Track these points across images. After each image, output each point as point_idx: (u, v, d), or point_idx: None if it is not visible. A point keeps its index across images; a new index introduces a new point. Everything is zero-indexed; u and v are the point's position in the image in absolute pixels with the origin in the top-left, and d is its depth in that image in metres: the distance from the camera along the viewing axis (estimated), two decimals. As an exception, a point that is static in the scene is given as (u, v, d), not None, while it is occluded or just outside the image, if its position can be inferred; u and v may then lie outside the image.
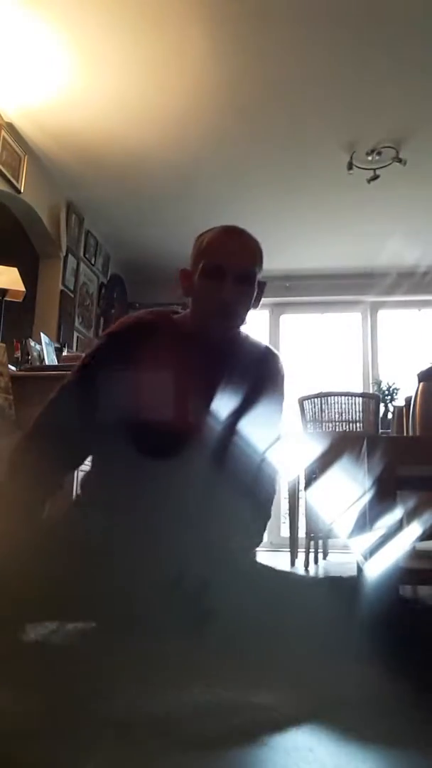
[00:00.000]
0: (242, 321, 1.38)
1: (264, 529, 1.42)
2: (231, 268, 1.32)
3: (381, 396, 4.18)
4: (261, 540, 1.41)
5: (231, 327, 1.36)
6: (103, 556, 1.22)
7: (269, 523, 1.47)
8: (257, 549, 1.44)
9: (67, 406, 1.36)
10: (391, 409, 4.27)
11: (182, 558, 1.17)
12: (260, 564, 1.34)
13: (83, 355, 1.55)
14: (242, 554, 1.28)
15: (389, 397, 4.52)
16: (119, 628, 1.10)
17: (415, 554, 1.79)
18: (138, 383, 1.30)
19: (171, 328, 1.40)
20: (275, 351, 1.53)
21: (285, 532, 3.43)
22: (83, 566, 1.23)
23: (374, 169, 3.90)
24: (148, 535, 1.21)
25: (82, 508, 1.38)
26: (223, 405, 1.33)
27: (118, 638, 1.08)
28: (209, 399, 1.32)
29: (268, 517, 1.45)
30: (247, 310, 1.38)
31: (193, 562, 1.17)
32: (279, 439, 1.43)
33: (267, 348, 1.52)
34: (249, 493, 1.34)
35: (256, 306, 1.42)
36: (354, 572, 1.22)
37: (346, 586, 1.13)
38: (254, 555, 1.41)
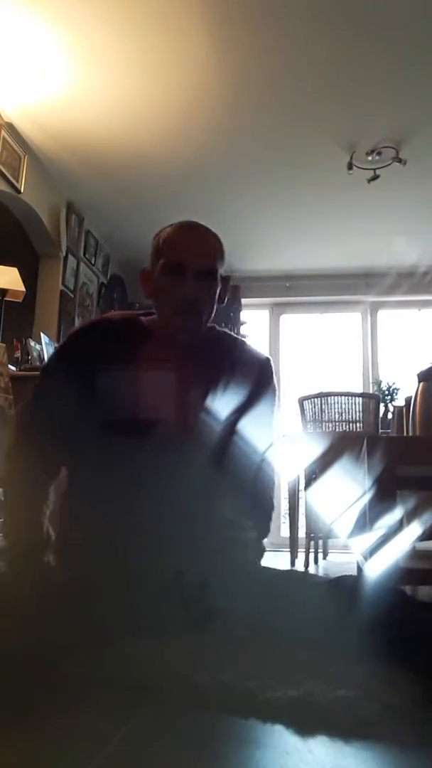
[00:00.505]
0: (208, 317, 1.36)
1: (265, 522, 1.40)
2: (191, 265, 1.29)
3: (381, 396, 4.18)
4: (264, 533, 1.39)
5: (196, 324, 1.33)
6: (101, 558, 1.22)
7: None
8: (261, 544, 1.42)
9: (41, 412, 1.36)
10: (391, 409, 4.27)
11: (181, 558, 1.17)
12: (259, 564, 1.33)
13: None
14: (240, 552, 1.27)
15: (389, 397, 4.52)
16: (119, 627, 1.10)
17: (415, 554, 1.79)
18: (101, 381, 1.29)
19: (137, 329, 1.38)
20: (249, 343, 1.50)
21: (285, 532, 3.43)
22: (81, 567, 1.23)
23: (374, 169, 3.90)
24: (138, 535, 1.21)
25: (74, 516, 1.37)
26: (193, 402, 1.31)
27: (117, 637, 1.08)
28: (178, 397, 1.31)
29: (268, 508, 1.43)
30: (212, 306, 1.35)
31: (192, 562, 1.17)
32: (269, 428, 1.41)
33: (240, 340, 1.49)
34: (237, 487, 1.33)
35: (222, 302, 1.39)
36: (354, 572, 1.22)
37: (347, 586, 1.13)
38: (256, 550, 1.39)
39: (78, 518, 1.35)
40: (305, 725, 0.81)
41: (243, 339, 1.49)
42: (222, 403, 1.31)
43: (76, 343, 1.38)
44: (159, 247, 1.35)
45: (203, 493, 1.24)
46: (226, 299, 1.41)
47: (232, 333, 1.50)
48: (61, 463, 1.38)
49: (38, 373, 3.11)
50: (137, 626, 1.11)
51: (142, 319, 1.41)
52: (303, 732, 0.79)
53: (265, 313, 5.82)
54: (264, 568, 1.31)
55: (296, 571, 1.84)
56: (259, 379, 1.40)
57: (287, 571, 1.50)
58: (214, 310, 1.36)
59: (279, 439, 1.47)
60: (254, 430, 1.34)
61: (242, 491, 1.34)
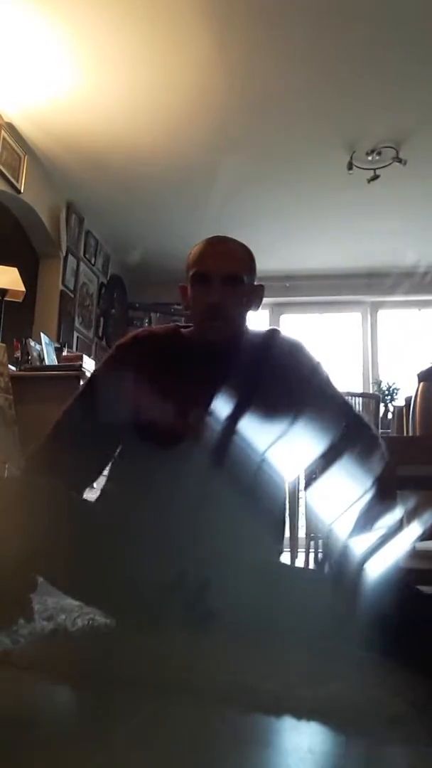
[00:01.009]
0: (238, 322, 1.41)
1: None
2: (216, 273, 1.36)
3: (381, 396, 4.18)
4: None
5: (225, 329, 1.37)
6: (114, 553, 1.22)
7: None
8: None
9: (80, 416, 1.40)
10: (391, 409, 4.27)
11: (189, 557, 1.18)
12: (267, 561, 1.34)
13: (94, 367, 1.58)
14: (246, 551, 1.27)
15: (389, 397, 4.52)
16: (127, 623, 1.10)
17: (415, 554, 1.79)
18: (145, 393, 1.33)
19: (177, 340, 1.44)
20: (288, 336, 1.51)
21: (285, 532, 3.42)
22: (94, 564, 1.24)
23: (374, 169, 3.90)
24: (163, 536, 1.21)
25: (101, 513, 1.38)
26: (233, 407, 1.32)
27: (125, 632, 1.08)
28: (217, 405, 1.33)
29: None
30: (241, 311, 1.41)
31: (199, 561, 1.17)
32: (333, 404, 1.41)
33: (270, 334, 1.51)
34: (263, 498, 1.33)
35: (255, 308, 1.45)
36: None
37: (347, 584, 1.13)
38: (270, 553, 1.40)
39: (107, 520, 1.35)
40: (305, 725, 0.81)
41: (273, 331, 1.51)
42: (261, 413, 1.32)
43: (123, 355, 1.44)
44: (189, 262, 1.43)
45: (234, 505, 1.25)
46: (259, 306, 1.47)
47: (267, 329, 1.52)
48: (82, 481, 1.41)
49: (38, 373, 3.10)
50: (144, 623, 1.12)
51: (183, 331, 1.47)
52: (303, 732, 0.79)
53: (265, 313, 5.81)
54: (267, 564, 1.32)
55: (299, 568, 1.82)
56: (300, 369, 1.42)
57: (287, 566, 1.51)
58: (245, 316, 1.42)
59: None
60: (316, 420, 1.34)
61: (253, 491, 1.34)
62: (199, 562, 1.17)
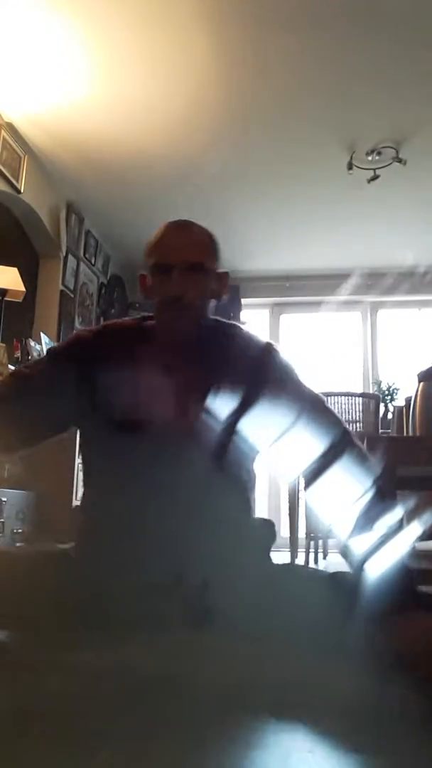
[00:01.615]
0: (201, 311, 1.32)
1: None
2: (176, 261, 1.28)
3: (381, 396, 4.18)
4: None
5: (188, 320, 1.30)
6: (105, 557, 1.22)
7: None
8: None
9: (29, 382, 1.34)
10: (391, 409, 4.27)
11: (184, 556, 1.17)
12: (263, 559, 1.34)
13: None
14: (244, 550, 1.27)
15: (389, 397, 4.53)
16: (121, 626, 1.10)
17: (415, 554, 1.79)
18: (101, 383, 1.29)
19: (139, 332, 1.38)
20: (247, 331, 1.45)
21: (285, 532, 3.43)
22: (83, 568, 1.23)
23: (374, 169, 3.90)
24: (144, 533, 1.21)
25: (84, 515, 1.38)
26: (193, 402, 1.28)
27: (117, 636, 1.08)
28: (177, 398, 1.29)
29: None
30: (204, 300, 1.32)
31: (195, 560, 1.17)
32: (304, 408, 1.31)
33: (238, 329, 1.45)
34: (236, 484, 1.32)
35: (220, 297, 1.37)
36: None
37: (347, 584, 1.13)
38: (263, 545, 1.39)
39: (86, 517, 1.36)
40: (305, 726, 0.81)
41: (241, 327, 1.45)
42: (226, 399, 1.28)
43: (86, 340, 1.38)
44: (147, 250, 1.35)
45: (205, 491, 1.24)
46: (224, 296, 1.38)
47: (230, 322, 1.45)
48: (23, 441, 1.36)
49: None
50: (137, 624, 1.11)
51: (145, 324, 1.40)
52: (303, 732, 0.79)
53: (265, 313, 5.82)
54: (268, 563, 1.32)
55: (298, 566, 1.81)
56: (262, 368, 1.35)
57: (288, 565, 1.51)
58: (209, 305, 1.34)
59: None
60: (275, 412, 1.29)
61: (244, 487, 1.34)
62: (190, 554, 1.17)
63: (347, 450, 1.27)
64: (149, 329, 1.38)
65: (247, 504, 1.35)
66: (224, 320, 1.43)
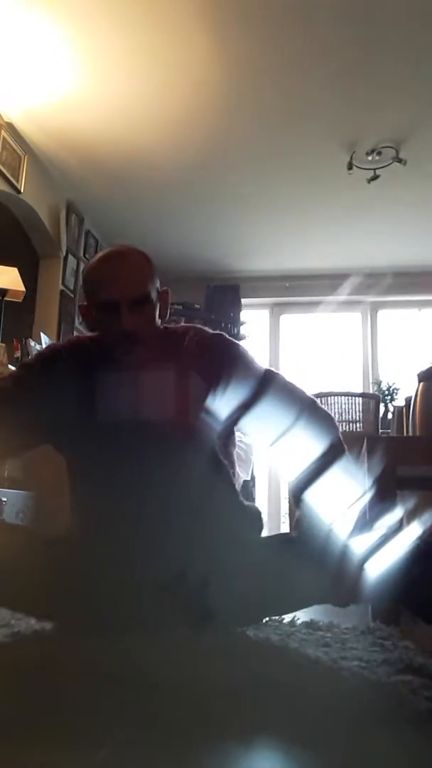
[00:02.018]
0: (151, 334, 1.37)
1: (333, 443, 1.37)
2: (123, 299, 1.31)
3: (381, 396, 4.18)
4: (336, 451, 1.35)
5: (138, 349, 1.34)
6: (99, 558, 1.22)
7: (269, 525, 1.46)
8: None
9: (14, 395, 1.38)
10: (391, 409, 4.27)
11: (180, 553, 1.18)
12: (261, 542, 1.36)
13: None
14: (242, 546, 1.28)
15: (389, 397, 4.52)
16: (120, 625, 1.10)
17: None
18: (66, 397, 1.33)
19: (88, 349, 1.43)
20: (199, 326, 1.50)
21: (285, 529, 3.42)
22: (80, 569, 1.24)
23: (374, 169, 3.90)
24: (147, 533, 1.22)
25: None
26: (167, 397, 1.34)
27: (118, 634, 1.08)
28: (141, 399, 1.35)
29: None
30: (153, 326, 1.38)
31: (191, 557, 1.17)
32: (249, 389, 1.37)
33: (189, 328, 1.48)
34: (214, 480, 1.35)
35: (164, 315, 1.42)
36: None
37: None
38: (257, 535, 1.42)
39: (77, 515, 1.39)
40: (305, 725, 0.81)
41: (195, 327, 1.49)
42: (192, 392, 1.33)
43: (56, 356, 1.43)
44: (89, 286, 1.38)
45: (186, 481, 1.26)
46: (168, 311, 1.44)
47: (183, 325, 1.51)
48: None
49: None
50: (135, 622, 1.11)
51: (87, 342, 1.45)
52: (303, 730, 0.79)
53: (265, 313, 5.82)
54: (265, 543, 1.34)
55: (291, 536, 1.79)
56: (216, 357, 1.40)
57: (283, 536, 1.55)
58: (157, 325, 1.39)
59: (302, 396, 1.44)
60: (234, 403, 1.34)
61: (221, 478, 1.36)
62: (168, 542, 1.19)
63: (304, 415, 1.36)
64: (99, 345, 1.42)
65: (227, 483, 1.38)
66: (175, 327, 1.49)
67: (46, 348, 1.50)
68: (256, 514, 1.44)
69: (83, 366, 1.38)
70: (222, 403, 1.32)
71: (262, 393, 1.36)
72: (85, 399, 1.34)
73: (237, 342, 1.46)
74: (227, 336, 1.47)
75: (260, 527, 1.43)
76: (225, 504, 1.36)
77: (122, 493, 1.27)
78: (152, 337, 1.36)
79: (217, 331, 1.47)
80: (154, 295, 1.37)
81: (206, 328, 1.48)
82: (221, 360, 1.38)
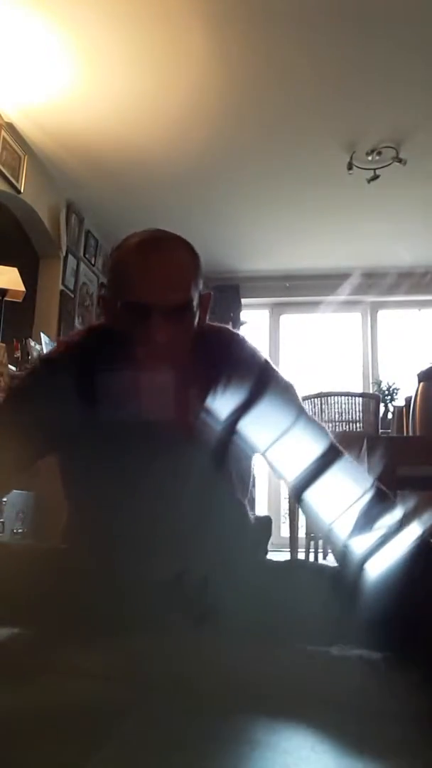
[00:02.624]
0: (186, 348, 1.14)
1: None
2: (157, 306, 1.06)
3: (381, 396, 4.18)
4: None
5: (171, 364, 1.13)
6: (100, 557, 1.22)
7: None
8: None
9: (14, 412, 1.23)
10: (391, 409, 4.27)
11: (183, 555, 1.17)
12: (261, 557, 1.34)
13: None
14: (242, 549, 1.27)
15: (389, 397, 4.52)
16: (120, 626, 1.10)
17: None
18: (89, 389, 1.15)
19: (110, 346, 1.17)
20: (234, 332, 1.30)
21: (285, 532, 3.43)
22: (81, 568, 1.23)
23: (374, 169, 3.90)
24: (142, 533, 1.21)
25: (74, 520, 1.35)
26: (187, 403, 1.18)
27: (117, 636, 1.08)
28: (172, 397, 1.17)
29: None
30: (190, 335, 1.14)
31: (193, 560, 1.17)
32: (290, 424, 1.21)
33: (219, 332, 1.27)
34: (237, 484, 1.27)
35: (203, 322, 1.19)
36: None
37: (348, 582, 1.14)
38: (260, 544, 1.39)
39: (77, 521, 1.34)
40: (306, 724, 0.81)
41: (239, 335, 1.30)
42: (223, 402, 1.20)
43: (59, 356, 1.25)
44: (116, 278, 1.13)
45: (202, 490, 1.23)
46: (206, 317, 1.20)
47: (228, 329, 1.29)
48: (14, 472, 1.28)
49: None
50: (136, 623, 1.11)
51: (105, 335, 1.22)
52: (303, 731, 0.79)
53: (265, 313, 5.82)
54: (267, 560, 1.32)
55: (299, 561, 1.79)
56: (258, 379, 1.22)
57: (290, 561, 1.51)
58: (193, 331, 1.17)
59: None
60: (262, 426, 1.21)
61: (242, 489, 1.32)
62: (192, 553, 1.17)
63: (340, 456, 1.20)
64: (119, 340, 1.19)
65: (242, 504, 1.31)
66: (219, 326, 1.28)
67: (54, 351, 1.29)
68: (266, 524, 1.41)
69: (96, 367, 1.16)
70: (256, 426, 1.18)
71: (298, 429, 1.21)
72: (95, 409, 1.15)
73: (284, 377, 1.28)
74: (272, 368, 1.27)
75: (269, 533, 1.40)
76: (238, 516, 1.28)
77: (144, 499, 1.16)
78: (186, 348, 1.13)
79: (264, 359, 1.27)
80: (196, 300, 1.11)
81: (244, 340, 1.27)
82: (266, 382, 1.21)
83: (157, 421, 1.16)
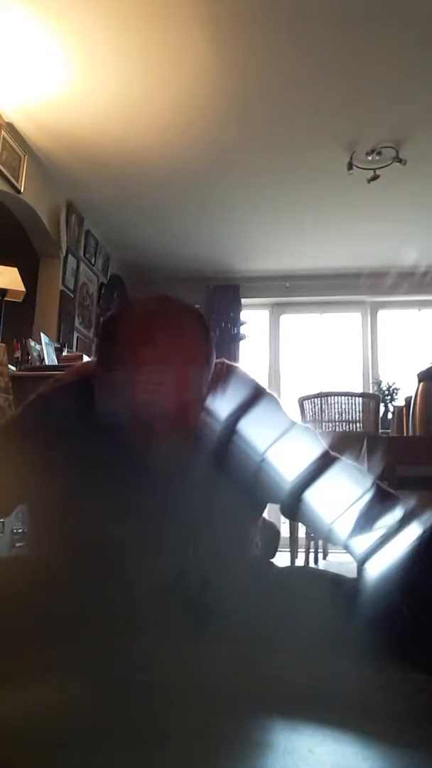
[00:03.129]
0: (191, 436, 1.04)
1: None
2: (161, 425, 0.93)
3: (381, 396, 4.18)
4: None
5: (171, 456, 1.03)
6: (102, 559, 1.22)
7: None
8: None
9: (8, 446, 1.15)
10: (391, 409, 4.27)
11: (182, 557, 1.17)
12: (261, 560, 1.33)
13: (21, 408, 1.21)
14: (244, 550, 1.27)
15: (389, 397, 4.52)
16: (119, 629, 1.10)
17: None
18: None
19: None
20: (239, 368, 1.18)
21: (285, 532, 3.43)
22: (81, 570, 1.23)
23: (374, 169, 3.90)
24: (144, 538, 1.20)
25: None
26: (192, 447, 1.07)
27: (117, 638, 1.08)
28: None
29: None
30: (196, 427, 1.03)
31: (193, 561, 1.17)
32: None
33: (229, 367, 1.17)
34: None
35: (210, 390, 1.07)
36: (354, 573, 1.22)
37: (348, 585, 1.13)
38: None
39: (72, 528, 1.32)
40: (305, 725, 0.81)
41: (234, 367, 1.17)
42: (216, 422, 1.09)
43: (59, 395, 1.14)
44: (110, 354, 0.96)
45: (204, 521, 1.19)
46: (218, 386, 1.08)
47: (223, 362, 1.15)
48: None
49: (38, 373, 3.06)
50: (137, 626, 1.11)
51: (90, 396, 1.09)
52: (303, 731, 0.79)
53: (265, 313, 5.82)
54: (269, 564, 1.31)
55: (300, 567, 1.81)
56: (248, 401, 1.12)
57: (291, 567, 1.50)
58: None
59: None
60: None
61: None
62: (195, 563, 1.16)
63: (336, 460, 1.16)
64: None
65: (247, 537, 1.26)
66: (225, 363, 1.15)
67: (31, 405, 1.16)
68: (274, 533, 1.39)
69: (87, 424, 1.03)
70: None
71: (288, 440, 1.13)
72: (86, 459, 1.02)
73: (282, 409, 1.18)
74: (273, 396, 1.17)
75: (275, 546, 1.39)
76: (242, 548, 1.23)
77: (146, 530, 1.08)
78: (191, 436, 1.02)
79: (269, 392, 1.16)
80: (205, 388, 0.99)
81: (236, 371, 1.14)
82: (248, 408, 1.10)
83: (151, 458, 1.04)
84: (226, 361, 1.16)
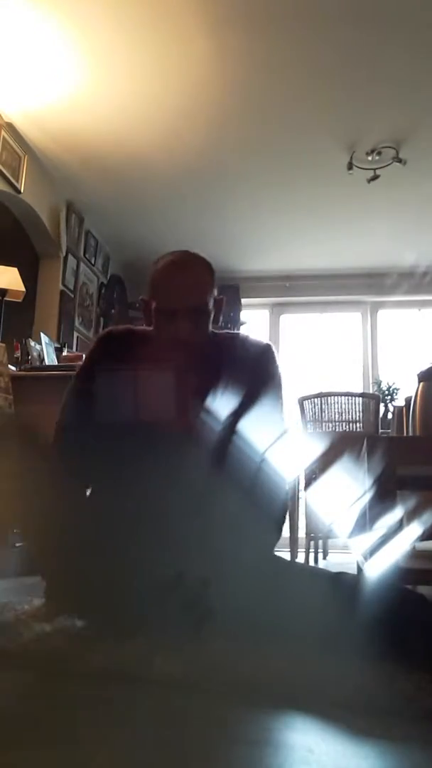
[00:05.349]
0: (203, 344, 1.44)
1: (275, 528, 1.44)
2: (181, 308, 1.39)
3: (381, 396, 4.18)
4: (274, 538, 1.42)
5: (191, 354, 1.41)
6: (105, 552, 1.22)
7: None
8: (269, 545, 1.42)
9: (78, 410, 1.46)
10: (391, 409, 4.27)
11: (183, 556, 1.17)
12: (264, 557, 1.34)
13: (83, 359, 1.61)
14: (244, 548, 1.27)
15: (389, 397, 4.52)
16: (120, 624, 1.10)
17: (415, 554, 1.79)
18: (107, 387, 1.41)
19: (138, 337, 1.50)
20: (248, 335, 1.57)
21: (285, 532, 3.42)
22: (86, 563, 1.24)
23: (374, 169, 3.90)
24: (148, 532, 1.21)
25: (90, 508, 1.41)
26: (193, 401, 1.38)
27: (119, 634, 1.08)
28: (177, 397, 1.39)
29: (277, 516, 1.45)
30: (207, 332, 1.45)
31: (193, 560, 1.17)
32: (271, 421, 1.44)
33: (239, 335, 1.57)
34: (249, 489, 1.33)
35: (217, 321, 1.49)
36: (354, 572, 1.22)
37: (348, 584, 1.13)
38: (261, 549, 1.39)
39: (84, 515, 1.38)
40: (304, 724, 0.81)
41: (242, 334, 1.57)
42: (222, 401, 1.37)
43: (107, 347, 1.52)
44: (152, 288, 1.45)
45: (205, 490, 1.25)
46: (220, 318, 1.50)
47: (231, 332, 1.57)
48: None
49: (38, 373, 3.12)
50: (138, 624, 1.11)
51: (139, 330, 1.53)
52: (302, 731, 0.79)
53: (265, 313, 5.82)
54: (272, 558, 1.33)
55: (299, 564, 1.86)
56: (257, 369, 1.47)
57: (290, 563, 1.52)
58: (209, 333, 1.46)
59: (287, 429, 1.49)
60: (256, 424, 1.38)
61: (246, 487, 1.34)
62: (200, 556, 1.17)
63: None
64: (147, 334, 1.49)
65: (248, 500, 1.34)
66: (231, 332, 1.57)
67: (93, 345, 1.56)
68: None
69: (130, 359, 1.43)
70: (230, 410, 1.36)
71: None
72: (123, 394, 1.39)
73: (277, 364, 1.51)
74: (272, 352, 1.51)
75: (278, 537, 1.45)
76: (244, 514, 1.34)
77: (133, 497, 1.28)
78: (202, 344, 1.43)
79: (265, 343, 1.52)
80: (210, 304, 1.43)
81: (254, 339, 1.53)
82: (259, 379, 1.45)
83: (159, 419, 1.35)
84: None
